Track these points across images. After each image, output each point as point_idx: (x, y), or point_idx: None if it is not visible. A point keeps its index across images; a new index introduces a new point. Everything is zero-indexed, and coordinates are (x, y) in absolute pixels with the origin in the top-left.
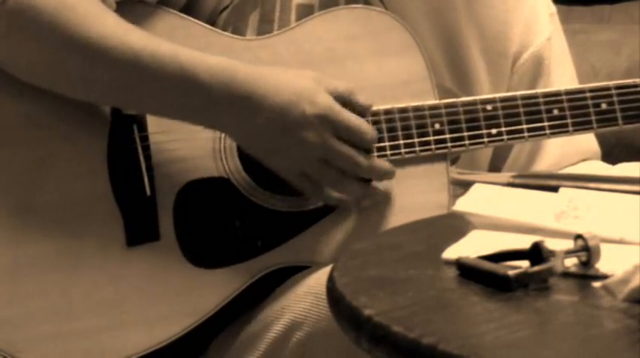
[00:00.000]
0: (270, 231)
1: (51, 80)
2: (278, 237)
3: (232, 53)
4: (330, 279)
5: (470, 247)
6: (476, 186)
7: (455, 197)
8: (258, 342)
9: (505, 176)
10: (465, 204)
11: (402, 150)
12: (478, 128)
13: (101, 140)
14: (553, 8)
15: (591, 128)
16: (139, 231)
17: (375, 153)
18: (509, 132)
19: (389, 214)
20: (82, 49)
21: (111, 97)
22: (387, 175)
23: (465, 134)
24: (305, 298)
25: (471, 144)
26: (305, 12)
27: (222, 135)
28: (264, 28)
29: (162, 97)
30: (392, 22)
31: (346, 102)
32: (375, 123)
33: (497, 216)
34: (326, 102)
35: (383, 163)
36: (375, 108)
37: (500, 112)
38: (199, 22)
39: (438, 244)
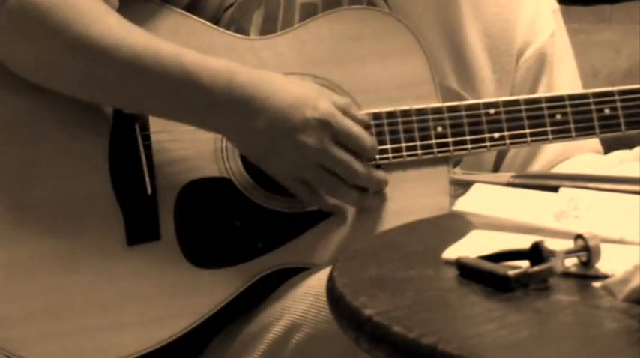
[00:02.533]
0: (271, 232)
1: (52, 79)
2: (278, 239)
3: (235, 52)
4: (330, 279)
5: (470, 247)
6: (476, 186)
7: (455, 197)
8: (258, 343)
9: (505, 176)
10: (465, 204)
11: (404, 153)
12: (481, 132)
13: (103, 138)
14: (556, 5)
15: (594, 133)
16: (140, 230)
17: (376, 160)
18: (511, 137)
19: (390, 217)
20: (83, 48)
21: (112, 97)
22: (382, 184)
23: (468, 138)
24: (305, 299)
25: (473, 148)
26: (309, 11)
27: None
28: (268, 27)
29: (163, 98)
30: (396, 24)
31: (345, 112)
32: (377, 125)
33: (497, 216)
34: (328, 108)
35: (379, 172)
36: (377, 110)
37: (503, 116)
38: (202, 21)
39: (438, 244)
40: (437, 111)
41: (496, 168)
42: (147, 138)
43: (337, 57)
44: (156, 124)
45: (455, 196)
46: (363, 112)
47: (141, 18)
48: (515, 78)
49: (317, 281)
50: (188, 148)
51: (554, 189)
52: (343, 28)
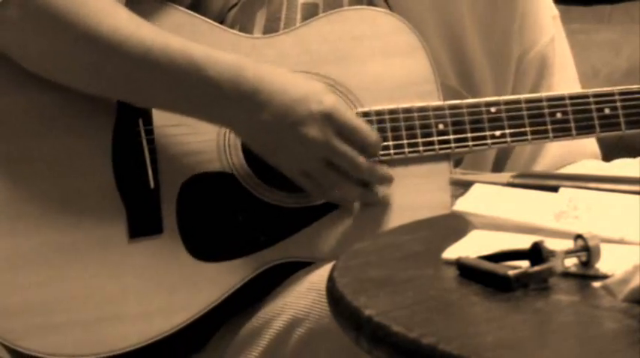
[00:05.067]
0: (273, 226)
1: (61, 72)
2: (280, 233)
3: (238, 51)
4: (330, 279)
5: (470, 247)
6: (476, 186)
7: (455, 197)
8: (259, 338)
9: (505, 176)
10: (465, 204)
11: (406, 150)
12: (482, 129)
13: (106, 133)
14: (555, 11)
15: (594, 132)
16: (142, 223)
17: (378, 156)
18: (512, 135)
19: (392, 212)
20: (93, 42)
21: (120, 91)
22: (386, 180)
23: (469, 135)
24: (307, 295)
25: (474, 146)
26: (310, 10)
27: (227, 130)
28: (271, 26)
29: (171, 91)
30: (398, 24)
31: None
32: (379, 122)
33: (497, 216)
34: (333, 103)
35: (383, 168)
36: (379, 107)
37: (504, 114)
38: (206, 20)
39: (438, 244)
40: (438, 108)
41: (497, 170)
42: (150, 132)
43: (340, 56)
44: (159, 119)
45: (455, 196)
46: (366, 109)
47: (145, 16)
48: (516, 81)
49: (319, 278)
50: (191, 143)
51: (554, 189)
52: (345, 28)
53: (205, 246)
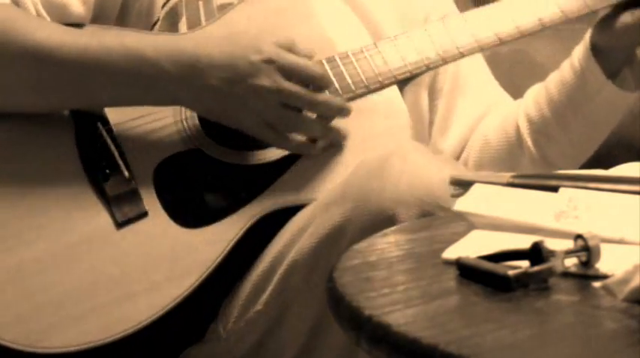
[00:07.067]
0: (251, 183)
1: (8, 95)
2: (259, 187)
3: None
4: (330, 279)
5: (470, 247)
6: (476, 186)
7: (455, 197)
8: (271, 275)
9: (505, 176)
10: (465, 204)
11: (366, 83)
12: (414, 57)
13: (70, 145)
14: None
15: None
16: (126, 212)
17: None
18: (444, 52)
19: (360, 143)
20: (31, 55)
21: (67, 97)
22: (343, 111)
23: (407, 62)
24: (303, 232)
25: (414, 70)
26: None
27: (182, 109)
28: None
29: (116, 84)
30: None
31: (290, 49)
32: (333, 67)
33: (497, 216)
34: (271, 48)
35: (337, 98)
36: (330, 54)
37: (429, 39)
38: (134, 30)
39: (438, 244)
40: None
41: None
42: (110, 131)
43: (268, 30)
44: (115, 118)
45: (455, 196)
46: (318, 58)
47: None
48: None
49: (307, 212)
50: (152, 131)
51: (554, 189)
52: (265, 6)
53: (192, 215)
